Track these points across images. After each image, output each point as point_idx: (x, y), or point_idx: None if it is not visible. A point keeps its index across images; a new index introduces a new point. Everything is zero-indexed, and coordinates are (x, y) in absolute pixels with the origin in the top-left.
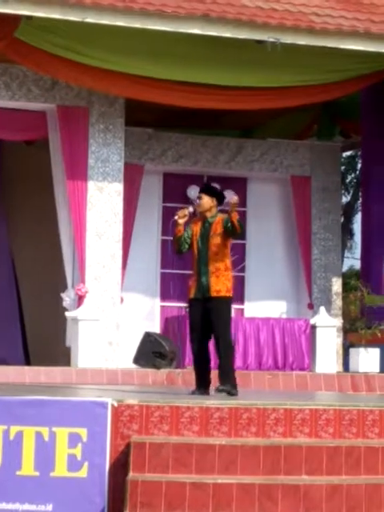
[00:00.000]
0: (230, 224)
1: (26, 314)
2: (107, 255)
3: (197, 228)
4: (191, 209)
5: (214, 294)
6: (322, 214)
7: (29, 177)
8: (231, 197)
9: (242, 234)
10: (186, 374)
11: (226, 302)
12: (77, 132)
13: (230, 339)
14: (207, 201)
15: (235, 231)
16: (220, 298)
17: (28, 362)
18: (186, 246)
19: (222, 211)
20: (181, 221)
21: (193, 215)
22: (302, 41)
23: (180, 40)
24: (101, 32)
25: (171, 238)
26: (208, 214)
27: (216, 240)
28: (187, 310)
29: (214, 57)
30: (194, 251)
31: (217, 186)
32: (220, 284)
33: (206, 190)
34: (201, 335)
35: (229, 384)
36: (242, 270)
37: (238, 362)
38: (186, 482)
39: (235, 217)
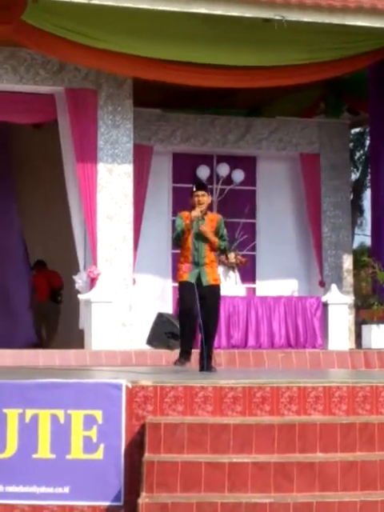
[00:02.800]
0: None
1: None
2: (118, 237)
3: (189, 221)
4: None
5: (212, 281)
6: (332, 192)
7: (38, 160)
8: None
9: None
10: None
11: (220, 289)
12: (85, 114)
13: None
14: (208, 198)
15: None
16: (218, 286)
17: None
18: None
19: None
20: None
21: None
22: (308, 18)
23: (187, 20)
24: (107, 13)
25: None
26: (204, 210)
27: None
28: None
29: (221, 36)
30: (188, 243)
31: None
32: (215, 273)
33: (205, 187)
34: (194, 315)
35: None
36: (253, 249)
37: (251, 341)
38: (202, 462)
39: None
